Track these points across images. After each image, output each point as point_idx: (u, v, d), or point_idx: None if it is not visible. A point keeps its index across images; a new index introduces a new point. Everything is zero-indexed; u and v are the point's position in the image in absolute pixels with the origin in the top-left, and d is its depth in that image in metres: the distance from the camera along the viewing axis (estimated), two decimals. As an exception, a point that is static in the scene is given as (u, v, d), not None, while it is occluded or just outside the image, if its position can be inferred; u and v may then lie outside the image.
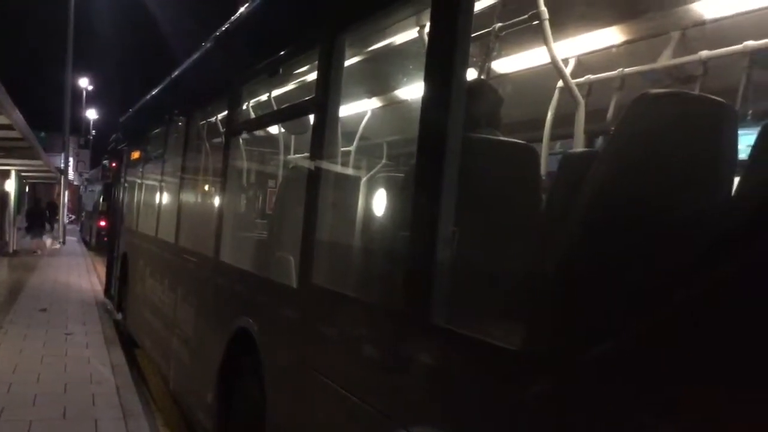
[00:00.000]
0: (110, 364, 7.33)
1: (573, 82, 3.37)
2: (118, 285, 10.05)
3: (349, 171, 3.95)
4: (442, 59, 2.39)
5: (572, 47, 3.48)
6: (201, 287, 5.50)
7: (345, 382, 2.92)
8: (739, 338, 1.37)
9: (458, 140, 2.32)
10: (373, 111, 5.32)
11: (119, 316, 10.00)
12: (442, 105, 2.34)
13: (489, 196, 2.47)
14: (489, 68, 3.35)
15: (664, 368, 1.49)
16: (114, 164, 12.67)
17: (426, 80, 2.49)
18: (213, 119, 6.09)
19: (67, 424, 5.39)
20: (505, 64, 3.77)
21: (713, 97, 1.98)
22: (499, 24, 3.05)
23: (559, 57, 3.16)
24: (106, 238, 23.81)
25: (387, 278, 2.88)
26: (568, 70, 3.47)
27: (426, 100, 2.46)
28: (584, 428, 1.69)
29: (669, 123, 1.83)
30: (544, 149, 3.47)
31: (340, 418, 2.93)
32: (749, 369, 1.33)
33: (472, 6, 2.39)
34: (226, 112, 5.29)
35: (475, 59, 3.14)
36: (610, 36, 3.36)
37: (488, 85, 3.09)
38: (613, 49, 3.40)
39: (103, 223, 24.35)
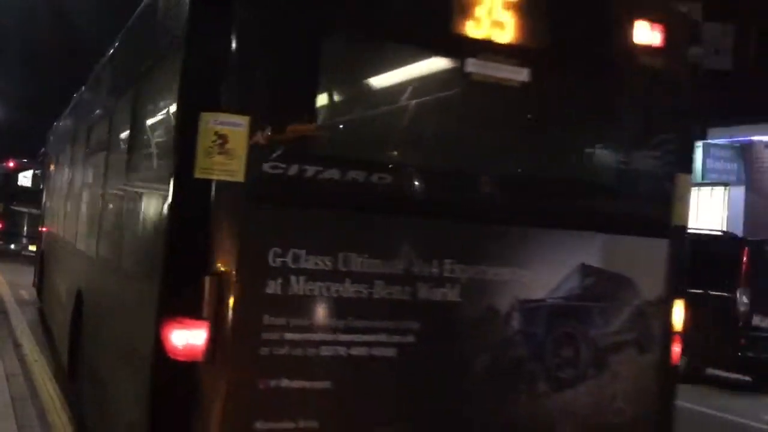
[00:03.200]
0: (4, 375, 7.11)
1: None
2: (40, 277, 12.18)
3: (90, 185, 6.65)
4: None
5: None
6: (69, 267, 7.74)
7: (108, 318, 4.95)
8: None
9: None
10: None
11: (40, 303, 11.86)
12: None
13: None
14: None
15: None
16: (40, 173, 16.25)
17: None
18: (83, 140, 7.79)
19: (-43, 438, 5.22)
20: None
21: None
22: None
23: None
24: (1, 240, 22.97)
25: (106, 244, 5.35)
26: None
27: None
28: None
29: None
30: None
31: (109, 343, 4.83)
32: None
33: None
34: (84, 136, 7.57)
35: None
36: None
37: None
38: None
39: (-1, 226, 23.42)
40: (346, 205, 3.39)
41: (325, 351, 3.32)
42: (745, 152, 15.06)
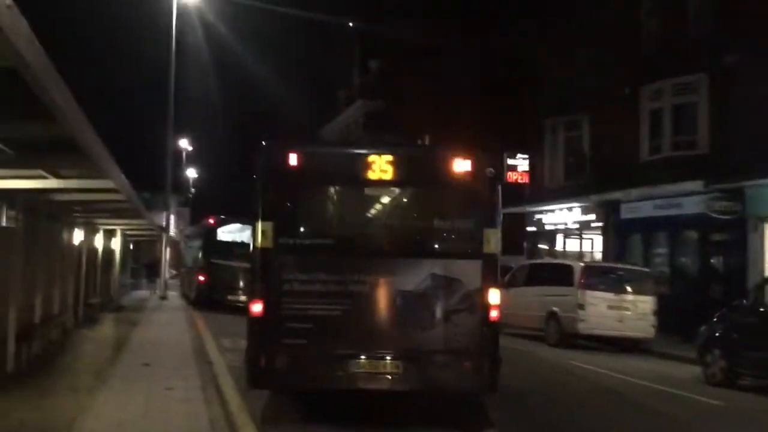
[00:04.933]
0: (208, 419, 7.52)
1: None
2: None
3: None
4: None
5: None
6: None
7: None
8: None
9: None
10: None
11: None
12: None
13: None
14: None
15: None
16: None
17: None
18: None
19: (168, 480, 5.51)
20: None
21: None
22: None
23: None
24: (205, 293, 24.38)
25: None
26: None
27: None
28: None
29: None
30: None
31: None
32: None
33: None
34: None
35: None
36: None
37: None
38: None
39: (202, 278, 24.90)
40: (317, 253, 7.90)
41: (309, 311, 7.74)
42: None
